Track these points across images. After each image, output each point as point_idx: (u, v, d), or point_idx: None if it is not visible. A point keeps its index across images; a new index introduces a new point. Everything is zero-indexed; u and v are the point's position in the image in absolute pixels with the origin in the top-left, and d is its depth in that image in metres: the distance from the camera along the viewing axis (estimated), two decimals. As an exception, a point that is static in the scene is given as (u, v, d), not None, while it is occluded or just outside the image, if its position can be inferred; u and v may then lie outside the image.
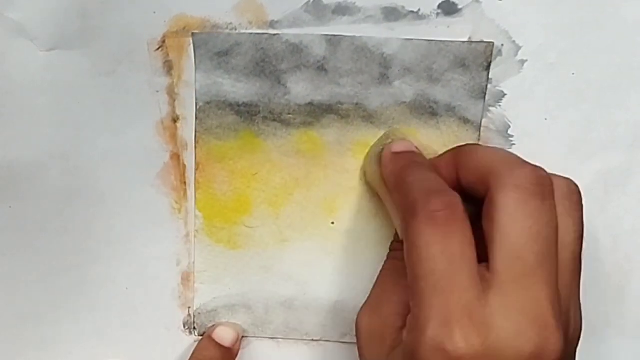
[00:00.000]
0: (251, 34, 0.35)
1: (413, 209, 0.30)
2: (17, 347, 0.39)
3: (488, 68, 0.35)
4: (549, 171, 0.34)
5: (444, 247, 0.29)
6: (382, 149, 0.36)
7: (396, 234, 0.37)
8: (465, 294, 0.29)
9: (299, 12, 0.34)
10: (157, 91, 0.36)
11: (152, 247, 0.38)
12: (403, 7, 0.34)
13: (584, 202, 0.32)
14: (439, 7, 0.34)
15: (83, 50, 0.35)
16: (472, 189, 0.32)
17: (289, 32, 0.35)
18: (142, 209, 0.37)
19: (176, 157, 0.37)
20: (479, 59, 0.35)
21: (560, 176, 0.32)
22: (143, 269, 0.38)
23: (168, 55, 0.35)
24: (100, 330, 0.39)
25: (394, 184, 0.33)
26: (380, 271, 0.36)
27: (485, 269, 0.29)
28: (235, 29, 0.34)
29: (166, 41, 0.35)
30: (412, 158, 0.34)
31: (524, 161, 0.31)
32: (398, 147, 0.35)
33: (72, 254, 0.38)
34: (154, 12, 0.34)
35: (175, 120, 0.36)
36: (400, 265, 0.31)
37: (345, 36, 0.35)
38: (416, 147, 0.35)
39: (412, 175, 0.32)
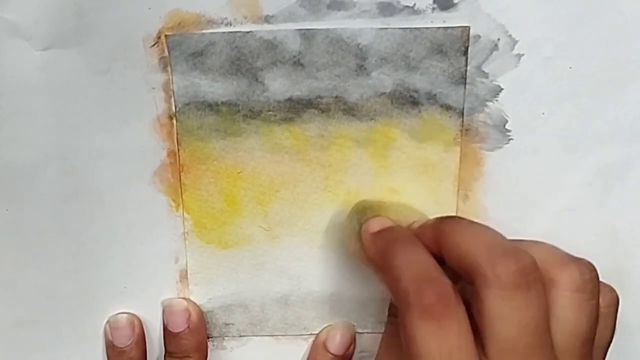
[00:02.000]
0: (224, 32, 0.34)
1: (406, 300, 0.30)
2: (15, 351, 0.39)
3: (466, 52, 0.35)
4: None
5: (441, 341, 0.29)
6: (360, 226, 0.36)
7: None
8: None
9: (294, 7, 0.34)
10: (153, 88, 0.35)
11: (150, 246, 0.38)
12: (398, 2, 0.34)
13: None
14: (434, 1, 0.34)
15: (78, 48, 0.34)
16: (457, 272, 0.31)
17: (263, 29, 0.34)
18: (140, 207, 0.37)
19: (173, 154, 0.37)
20: (456, 44, 0.35)
21: (574, 262, 0.32)
22: (141, 268, 0.38)
23: (163, 51, 0.35)
24: (99, 331, 0.39)
25: (381, 267, 0.33)
26: (383, 335, 0.36)
27: (483, 354, 0.30)
28: (231, 24, 0.34)
29: (161, 37, 0.35)
30: (393, 235, 0.34)
31: (506, 250, 0.30)
32: (375, 226, 0.35)
33: (70, 255, 0.38)
34: (149, 8, 0.34)
35: (171, 117, 0.36)
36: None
37: (319, 29, 0.34)
38: (392, 220, 0.35)
39: (398, 258, 0.32)
